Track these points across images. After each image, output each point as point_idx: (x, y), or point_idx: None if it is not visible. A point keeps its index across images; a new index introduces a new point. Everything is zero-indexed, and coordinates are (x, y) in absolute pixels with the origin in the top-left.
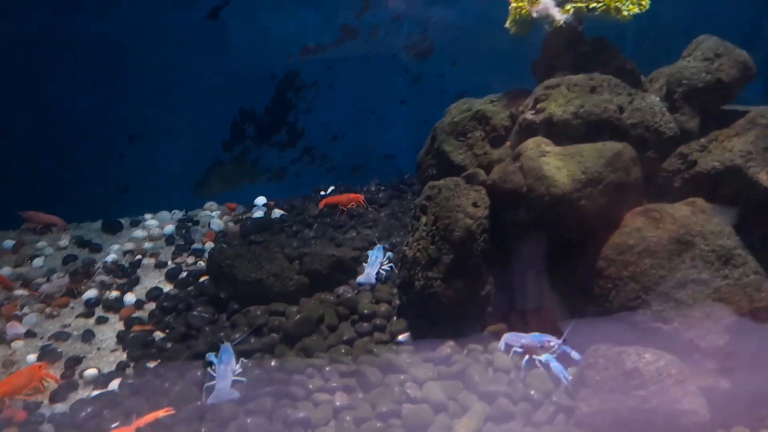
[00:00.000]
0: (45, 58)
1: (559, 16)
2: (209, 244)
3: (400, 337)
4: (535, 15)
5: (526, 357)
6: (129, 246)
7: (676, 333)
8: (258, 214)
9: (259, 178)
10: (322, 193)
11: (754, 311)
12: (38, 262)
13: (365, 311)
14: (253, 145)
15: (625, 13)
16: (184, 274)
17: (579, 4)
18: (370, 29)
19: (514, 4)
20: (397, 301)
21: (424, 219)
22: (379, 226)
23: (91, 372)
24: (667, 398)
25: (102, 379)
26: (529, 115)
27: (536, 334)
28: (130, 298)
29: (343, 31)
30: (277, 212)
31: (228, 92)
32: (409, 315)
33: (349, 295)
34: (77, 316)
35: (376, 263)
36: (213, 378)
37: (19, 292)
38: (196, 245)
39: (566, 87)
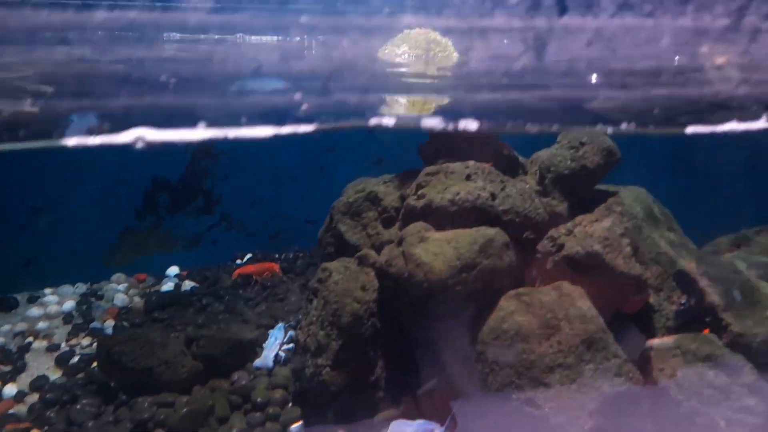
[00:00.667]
0: None
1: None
2: (110, 323)
3: (293, 427)
4: None
5: None
6: (21, 327)
7: (546, 418)
8: (168, 286)
9: (173, 245)
10: (239, 261)
11: (617, 395)
12: None
13: (258, 399)
14: (168, 214)
15: None
16: (77, 358)
17: None
18: None
19: None
20: (293, 388)
21: (315, 302)
22: (291, 298)
23: None
24: None
25: None
26: (411, 201)
27: (421, 421)
28: (10, 389)
29: None
30: (188, 284)
31: (140, 161)
32: (302, 402)
33: (244, 382)
34: None
35: (275, 345)
36: None
37: None
38: (95, 324)
39: (444, 174)
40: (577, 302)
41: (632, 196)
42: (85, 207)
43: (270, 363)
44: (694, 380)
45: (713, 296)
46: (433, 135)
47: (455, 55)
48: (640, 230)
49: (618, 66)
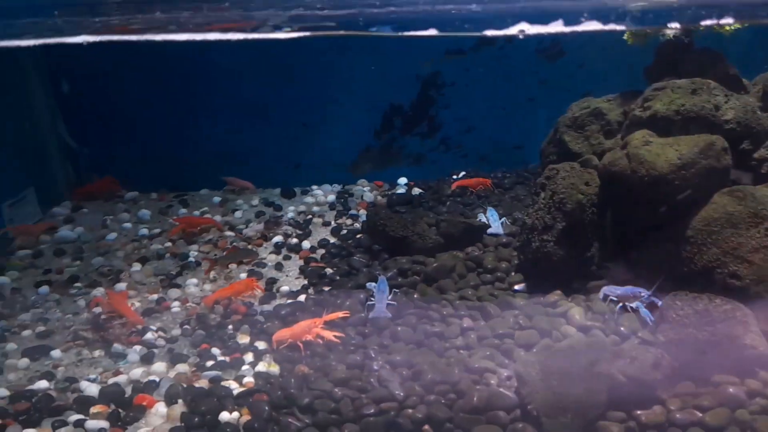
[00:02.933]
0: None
1: (670, 31)
2: (362, 212)
3: (517, 287)
4: (649, 31)
5: (620, 304)
6: (302, 208)
7: (747, 288)
8: (401, 191)
9: (402, 162)
10: (455, 176)
11: None
12: (238, 214)
13: (489, 266)
14: (399, 135)
15: (728, 27)
16: (345, 231)
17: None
18: (505, 36)
19: None
20: (516, 261)
21: (542, 194)
22: (503, 205)
23: (284, 288)
24: (730, 334)
25: (292, 294)
26: (637, 112)
27: (629, 287)
28: (306, 244)
29: (481, 40)
30: (416, 190)
31: (381, 89)
32: (525, 270)
33: (477, 253)
34: (270, 253)
35: (498, 220)
36: (373, 300)
37: (228, 233)
38: (353, 211)
39: (671, 89)
40: None
41: None
42: (339, 127)
43: (501, 230)
44: None
45: None
46: (658, 58)
47: None
48: None
49: None
